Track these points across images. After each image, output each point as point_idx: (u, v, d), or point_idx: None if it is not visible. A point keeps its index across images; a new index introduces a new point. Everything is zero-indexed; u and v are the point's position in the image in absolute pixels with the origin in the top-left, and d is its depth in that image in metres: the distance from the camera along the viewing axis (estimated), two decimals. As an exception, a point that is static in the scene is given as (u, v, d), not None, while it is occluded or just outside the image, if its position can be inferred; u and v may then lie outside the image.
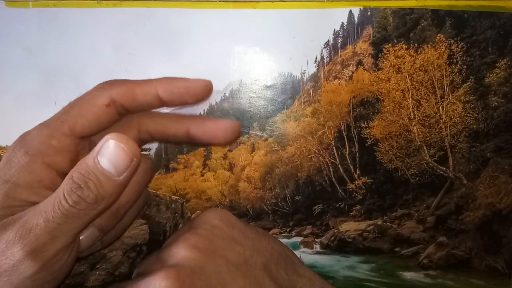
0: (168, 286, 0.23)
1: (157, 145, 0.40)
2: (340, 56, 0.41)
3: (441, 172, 0.41)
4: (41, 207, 0.25)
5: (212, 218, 0.29)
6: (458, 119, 0.40)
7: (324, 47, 0.41)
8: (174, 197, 0.40)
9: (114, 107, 0.29)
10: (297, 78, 0.41)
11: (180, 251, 0.26)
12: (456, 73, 0.40)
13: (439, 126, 0.41)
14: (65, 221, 0.24)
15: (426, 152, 0.41)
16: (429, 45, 0.40)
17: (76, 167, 0.25)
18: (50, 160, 0.27)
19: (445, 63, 0.40)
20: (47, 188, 0.27)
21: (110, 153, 0.24)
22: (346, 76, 0.41)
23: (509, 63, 0.40)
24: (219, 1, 0.39)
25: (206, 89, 0.29)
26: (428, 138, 0.41)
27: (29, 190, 0.27)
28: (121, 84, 0.29)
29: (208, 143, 0.32)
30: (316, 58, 0.41)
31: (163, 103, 0.30)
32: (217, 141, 0.31)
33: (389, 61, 0.40)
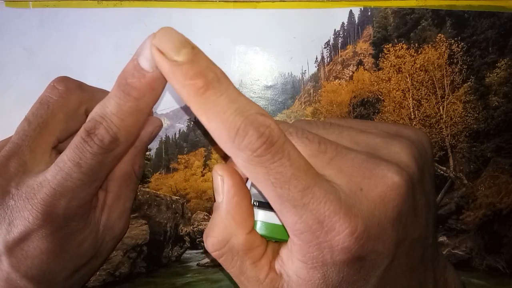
0: (399, 184, 0.21)
1: (157, 146, 0.40)
2: (341, 56, 0.41)
3: (442, 172, 0.41)
4: None
5: (425, 141, 0.26)
6: (458, 119, 0.40)
7: (325, 47, 0.41)
8: (174, 197, 0.40)
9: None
10: (298, 78, 0.41)
11: (402, 155, 0.23)
12: (456, 73, 0.40)
13: (439, 126, 0.41)
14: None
15: (426, 152, 0.41)
16: (429, 45, 0.40)
17: None
18: None
19: (446, 63, 0.40)
20: None
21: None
22: (347, 76, 0.41)
23: (509, 63, 0.40)
24: (219, 1, 0.39)
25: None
26: (428, 138, 0.41)
27: None
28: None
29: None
30: (316, 58, 0.41)
31: None
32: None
33: (390, 61, 0.40)
